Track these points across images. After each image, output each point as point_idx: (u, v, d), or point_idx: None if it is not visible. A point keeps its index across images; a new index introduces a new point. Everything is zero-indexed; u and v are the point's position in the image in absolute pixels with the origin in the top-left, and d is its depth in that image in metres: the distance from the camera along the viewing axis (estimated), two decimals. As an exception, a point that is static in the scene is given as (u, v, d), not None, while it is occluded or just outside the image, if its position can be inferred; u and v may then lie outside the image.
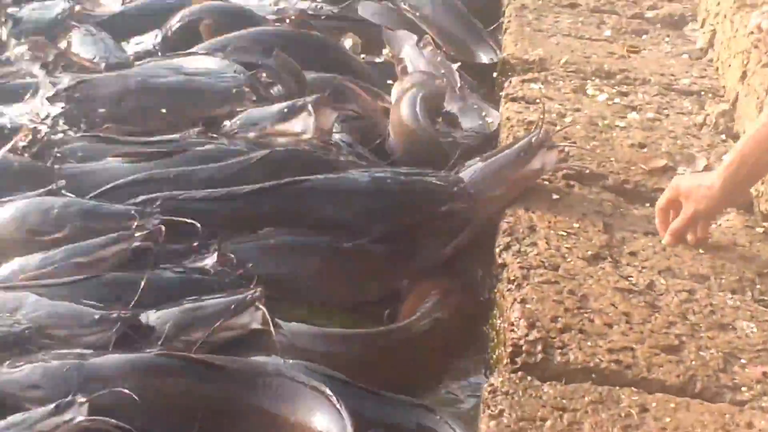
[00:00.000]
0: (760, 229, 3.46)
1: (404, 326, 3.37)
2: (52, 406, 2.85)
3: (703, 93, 4.19)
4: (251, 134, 4.54)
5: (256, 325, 3.24)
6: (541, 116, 3.83)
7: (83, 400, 2.85)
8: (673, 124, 3.98)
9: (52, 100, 4.85)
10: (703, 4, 4.74)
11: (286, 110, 4.46)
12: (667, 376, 2.79)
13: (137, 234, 3.74)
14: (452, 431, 2.92)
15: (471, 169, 3.71)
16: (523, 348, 2.88)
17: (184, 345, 3.23)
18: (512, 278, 3.17)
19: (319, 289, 3.64)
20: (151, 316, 3.33)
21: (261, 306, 3.23)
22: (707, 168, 3.70)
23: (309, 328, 3.34)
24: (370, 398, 3.03)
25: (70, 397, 2.87)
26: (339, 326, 3.46)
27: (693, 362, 2.83)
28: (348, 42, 5.69)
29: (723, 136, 3.91)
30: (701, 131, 3.95)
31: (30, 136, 4.62)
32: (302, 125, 4.36)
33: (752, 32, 3.92)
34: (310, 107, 4.34)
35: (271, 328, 3.19)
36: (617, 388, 2.75)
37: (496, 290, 3.30)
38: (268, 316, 3.22)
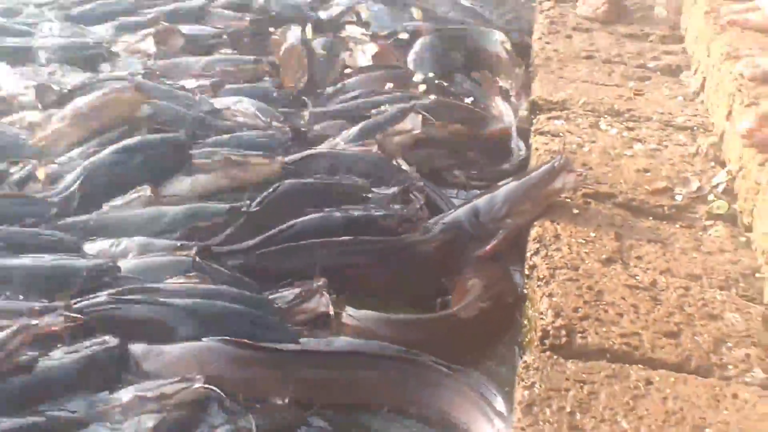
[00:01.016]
0: (743, 239, 3.43)
1: (453, 313, 3.34)
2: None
3: (695, 128, 4.15)
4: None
5: (323, 309, 3.26)
6: (563, 146, 3.88)
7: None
8: (671, 154, 3.94)
9: None
10: (695, 56, 4.69)
11: (398, 113, 4.44)
12: (668, 356, 2.81)
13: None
14: (493, 393, 2.91)
15: (506, 187, 3.68)
16: (551, 333, 2.90)
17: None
18: (541, 276, 3.17)
19: (382, 284, 3.60)
20: None
21: (325, 293, 3.27)
22: (699, 189, 3.69)
23: (375, 313, 3.31)
24: (428, 367, 3.03)
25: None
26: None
27: (689, 345, 2.84)
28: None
29: (712, 163, 3.88)
30: (694, 159, 3.92)
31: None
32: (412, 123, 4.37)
33: (735, 78, 3.89)
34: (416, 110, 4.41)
35: (331, 311, 3.24)
36: (627, 365, 2.78)
37: (527, 286, 3.30)
38: (331, 302, 3.25)
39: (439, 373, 3.02)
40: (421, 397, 2.99)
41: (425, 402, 2.99)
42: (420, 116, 4.38)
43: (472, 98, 4.90)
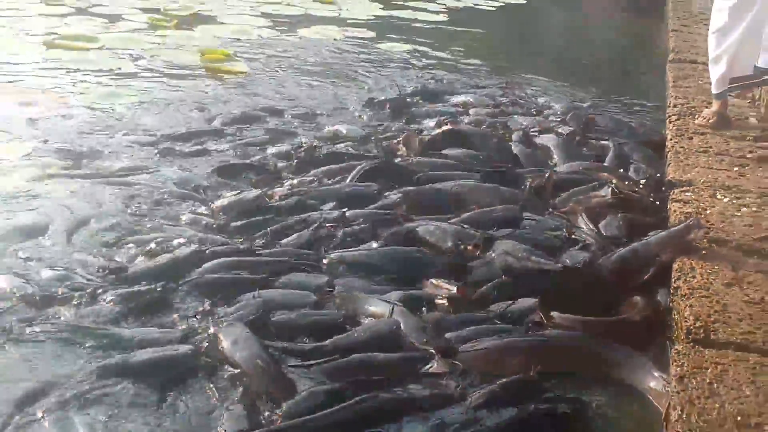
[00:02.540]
0: None
1: (628, 317, 3.32)
2: None
3: None
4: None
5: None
6: (697, 212, 3.91)
7: None
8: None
9: None
10: None
11: None
12: None
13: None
14: (653, 366, 3.02)
15: (656, 237, 3.69)
16: (692, 330, 2.95)
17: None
18: (683, 294, 3.18)
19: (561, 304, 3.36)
20: None
21: None
22: None
23: (574, 316, 3.28)
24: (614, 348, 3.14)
25: None
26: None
27: None
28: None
29: None
30: None
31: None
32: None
33: None
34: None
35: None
36: (746, 353, 2.81)
37: (672, 301, 3.28)
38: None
39: (620, 351, 3.12)
40: (610, 367, 3.07)
41: (612, 370, 3.06)
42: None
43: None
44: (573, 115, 6.01)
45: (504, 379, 2.90)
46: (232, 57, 7.49)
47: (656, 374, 2.97)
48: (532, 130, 5.59)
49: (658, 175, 4.74)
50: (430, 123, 5.79)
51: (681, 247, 3.55)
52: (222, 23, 8.96)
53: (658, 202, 4.28)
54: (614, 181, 4.50)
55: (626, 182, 4.58)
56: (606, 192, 4.34)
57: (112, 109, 5.81)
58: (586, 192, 4.43)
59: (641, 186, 4.52)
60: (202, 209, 4.20)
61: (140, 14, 9.01)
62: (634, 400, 2.96)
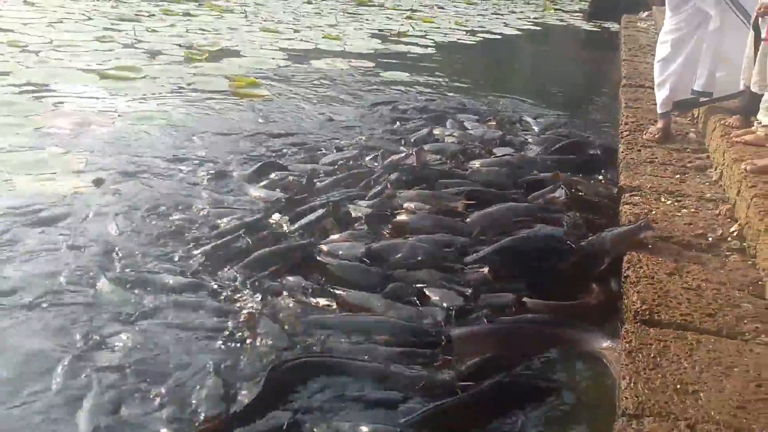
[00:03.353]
0: (749, 262, 3.34)
1: (584, 302, 3.34)
2: None
3: (717, 200, 4.07)
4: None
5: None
6: (645, 213, 3.86)
7: None
8: (704, 214, 3.89)
9: None
10: (716, 160, 4.59)
11: None
12: (709, 327, 2.80)
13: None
14: (606, 338, 3.00)
15: (612, 233, 3.65)
16: (639, 312, 2.92)
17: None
18: (632, 282, 3.14)
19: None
20: None
21: None
22: (722, 234, 3.63)
23: (543, 301, 3.26)
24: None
25: None
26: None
27: (721, 321, 2.84)
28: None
29: (729, 220, 3.81)
30: (718, 218, 3.85)
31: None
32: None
33: (741, 172, 3.87)
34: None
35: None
36: (685, 331, 2.77)
37: (624, 287, 3.21)
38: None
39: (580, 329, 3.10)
40: (572, 340, 3.07)
41: (575, 343, 3.05)
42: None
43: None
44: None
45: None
46: (257, 83, 7.46)
47: (611, 343, 2.97)
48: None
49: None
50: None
51: (630, 246, 3.51)
52: (244, 56, 8.96)
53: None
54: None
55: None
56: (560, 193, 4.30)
57: (152, 128, 5.84)
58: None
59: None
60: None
61: (177, 49, 9.01)
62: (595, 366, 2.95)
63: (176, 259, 3.48)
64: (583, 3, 17.32)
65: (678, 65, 4.96)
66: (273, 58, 8.96)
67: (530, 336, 3.08)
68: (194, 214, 4.00)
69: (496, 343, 2.99)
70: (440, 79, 8.46)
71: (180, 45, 9.24)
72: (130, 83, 7.20)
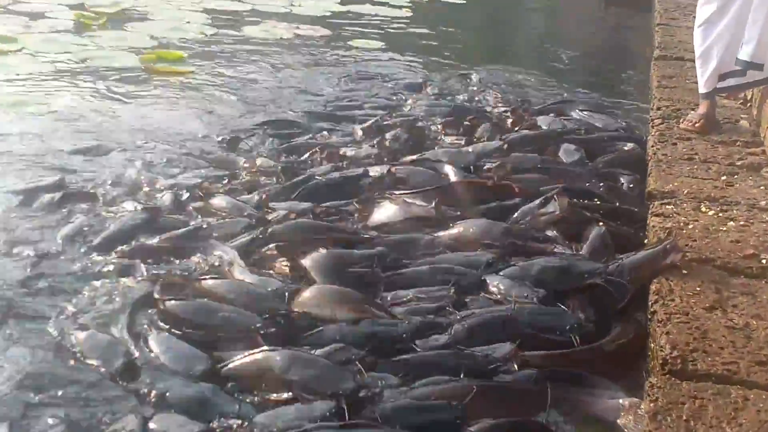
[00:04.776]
0: None
1: (603, 344, 3.35)
2: None
3: None
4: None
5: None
6: (673, 229, 3.88)
7: None
8: (757, 228, 3.91)
9: None
10: None
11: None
12: (759, 379, 2.82)
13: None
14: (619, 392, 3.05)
15: (630, 259, 3.69)
16: (669, 361, 2.92)
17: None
18: (660, 320, 3.16)
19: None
20: None
21: None
22: None
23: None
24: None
25: None
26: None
27: None
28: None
29: None
30: None
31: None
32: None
33: None
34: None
35: None
36: (728, 385, 2.78)
37: (650, 327, 3.26)
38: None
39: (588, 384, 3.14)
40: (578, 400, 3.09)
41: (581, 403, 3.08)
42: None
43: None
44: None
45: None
46: (185, 60, 7.45)
47: (630, 402, 2.98)
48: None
49: None
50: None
51: (655, 272, 3.53)
52: (154, 19, 8.94)
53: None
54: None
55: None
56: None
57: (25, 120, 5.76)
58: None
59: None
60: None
61: (66, 11, 8.93)
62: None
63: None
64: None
65: (724, 28, 4.92)
66: (190, 22, 8.93)
67: (524, 396, 3.09)
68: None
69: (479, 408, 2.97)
70: (418, 55, 8.42)
71: (68, 6, 9.14)
72: (1, 59, 7.14)
